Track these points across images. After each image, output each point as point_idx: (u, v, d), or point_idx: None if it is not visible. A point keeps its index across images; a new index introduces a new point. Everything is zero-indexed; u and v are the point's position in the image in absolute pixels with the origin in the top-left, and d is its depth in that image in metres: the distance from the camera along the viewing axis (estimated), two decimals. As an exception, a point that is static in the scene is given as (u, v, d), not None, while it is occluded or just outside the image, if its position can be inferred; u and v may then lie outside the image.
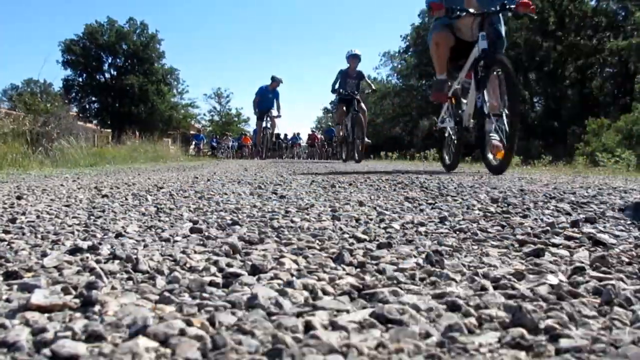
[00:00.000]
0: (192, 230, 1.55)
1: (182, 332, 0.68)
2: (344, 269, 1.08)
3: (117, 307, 0.80)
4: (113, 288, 0.93)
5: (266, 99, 15.70)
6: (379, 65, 71.67)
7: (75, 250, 1.24)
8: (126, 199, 2.48)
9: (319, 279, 0.99)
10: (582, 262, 1.10)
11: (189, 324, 0.72)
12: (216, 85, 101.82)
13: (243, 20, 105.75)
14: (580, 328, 0.72)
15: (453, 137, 5.81)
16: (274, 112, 16.03)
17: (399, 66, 45.78)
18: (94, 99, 45.38)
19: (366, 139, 10.67)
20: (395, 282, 0.97)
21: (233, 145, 32.78)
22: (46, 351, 0.63)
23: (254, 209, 2.09)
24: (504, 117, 4.54)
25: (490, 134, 4.82)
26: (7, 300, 0.84)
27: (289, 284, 0.94)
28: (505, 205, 2.10)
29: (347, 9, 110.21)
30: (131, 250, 1.27)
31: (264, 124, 16.16)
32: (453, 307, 0.80)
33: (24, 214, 1.93)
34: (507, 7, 4.76)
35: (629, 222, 1.65)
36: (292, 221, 1.74)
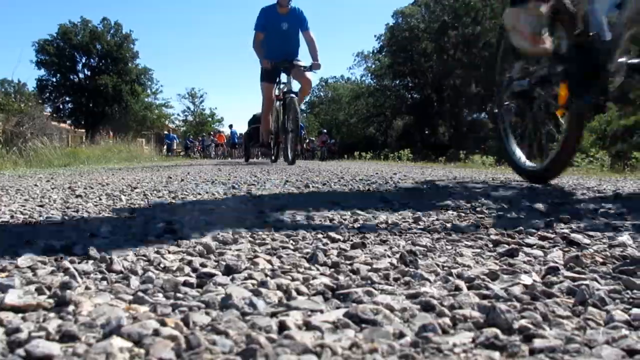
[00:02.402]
0: (165, 230, 1.54)
1: (156, 332, 0.68)
2: (317, 269, 1.08)
3: (91, 307, 0.80)
4: (87, 288, 0.92)
5: (278, 35, 7.94)
6: (353, 65, 71.88)
7: (49, 250, 1.23)
8: (100, 199, 2.46)
9: (293, 279, 0.99)
10: (556, 262, 1.11)
11: (163, 324, 0.71)
12: (190, 85, 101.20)
13: (217, 20, 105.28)
14: (554, 328, 0.73)
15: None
16: (301, 62, 8.00)
17: (373, 66, 45.79)
18: (67, 99, 45.03)
19: None
20: (369, 282, 0.98)
21: (209, 145, 32.44)
22: (20, 351, 0.63)
23: (227, 209, 2.08)
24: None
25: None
26: (-20, 301, 0.83)
27: (263, 284, 0.94)
28: (479, 205, 2.11)
29: (321, 9, 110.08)
30: (105, 250, 1.26)
31: (276, 91, 8.33)
32: (427, 307, 0.80)
33: (-4, 214, 1.91)
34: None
35: (603, 222, 1.66)
36: (266, 222, 1.74)
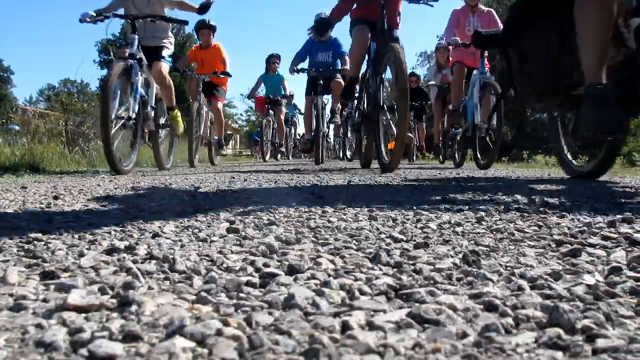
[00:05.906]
0: (228, 230, 1.56)
1: (219, 332, 0.69)
2: (380, 269, 1.08)
3: (154, 307, 0.81)
4: (150, 288, 0.94)
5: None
6: (416, 65, 71.53)
7: (112, 250, 1.25)
8: (163, 199, 2.50)
9: (356, 279, 0.99)
10: (619, 262, 1.09)
11: (226, 324, 0.72)
12: (252, 85, 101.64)
13: (273, 20, 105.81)
14: (617, 328, 0.71)
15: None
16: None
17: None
18: (130, 99, 45.92)
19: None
20: (432, 282, 0.97)
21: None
22: (83, 351, 0.64)
23: (290, 208, 2.10)
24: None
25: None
26: (44, 300, 0.85)
27: (326, 284, 0.94)
28: (542, 204, 2.08)
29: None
30: (168, 250, 1.27)
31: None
32: (490, 307, 0.80)
33: (60, 213, 1.95)
34: None
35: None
36: (329, 221, 1.74)
